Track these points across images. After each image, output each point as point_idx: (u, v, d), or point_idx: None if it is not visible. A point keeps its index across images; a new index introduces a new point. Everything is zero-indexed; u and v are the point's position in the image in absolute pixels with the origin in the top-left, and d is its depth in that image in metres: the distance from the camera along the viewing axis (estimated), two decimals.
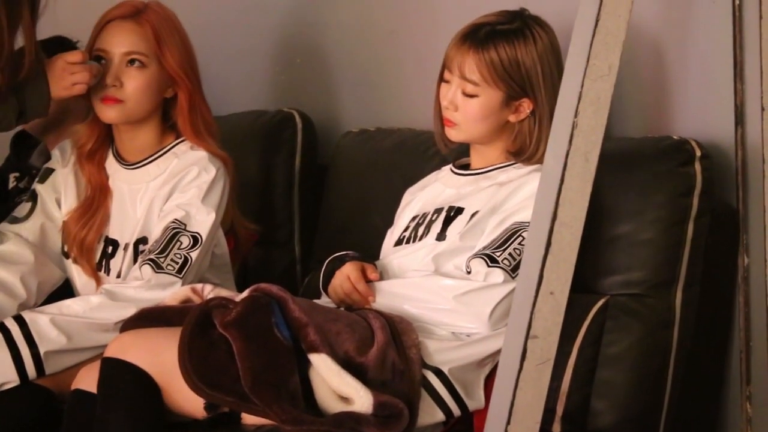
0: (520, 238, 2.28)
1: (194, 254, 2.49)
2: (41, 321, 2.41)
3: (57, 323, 2.41)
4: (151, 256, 2.48)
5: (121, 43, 2.56)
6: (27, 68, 2.49)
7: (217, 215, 2.55)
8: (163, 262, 2.47)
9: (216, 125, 2.67)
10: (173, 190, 2.57)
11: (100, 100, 2.56)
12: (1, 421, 2.35)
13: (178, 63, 2.58)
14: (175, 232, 2.50)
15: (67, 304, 2.46)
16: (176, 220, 2.52)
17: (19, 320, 2.41)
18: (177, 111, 2.61)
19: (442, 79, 2.45)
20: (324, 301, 2.44)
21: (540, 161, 2.31)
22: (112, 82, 2.54)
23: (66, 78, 2.51)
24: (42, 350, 2.38)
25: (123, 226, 2.61)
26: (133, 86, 2.55)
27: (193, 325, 2.14)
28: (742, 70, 2.33)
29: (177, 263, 2.47)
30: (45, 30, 2.62)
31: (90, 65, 2.53)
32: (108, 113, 2.56)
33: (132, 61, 2.56)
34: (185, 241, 2.50)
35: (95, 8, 2.65)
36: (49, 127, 2.88)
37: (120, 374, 2.18)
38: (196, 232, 2.51)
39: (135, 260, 2.56)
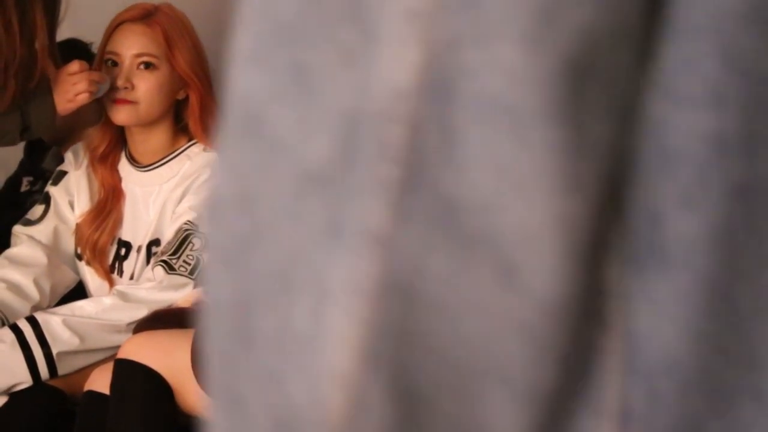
0: None
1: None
2: (54, 322, 2.41)
3: (69, 324, 2.42)
4: (164, 258, 2.48)
5: (131, 45, 2.57)
6: (39, 75, 2.50)
7: None
8: (175, 264, 2.47)
9: None
10: (186, 192, 2.57)
11: (112, 102, 2.56)
12: (14, 421, 2.36)
13: (188, 65, 2.58)
14: (187, 233, 2.51)
15: (80, 305, 2.47)
16: (189, 221, 2.52)
17: (32, 321, 2.42)
18: (189, 112, 2.62)
19: None
20: None
21: None
22: (124, 84, 2.55)
23: (68, 90, 2.52)
24: (55, 351, 2.39)
25: (136, 228, 2.61)
26: (145, 88, 2.55)
27: None
28: None
29: (189, 264, 2.47)
30: (64, 33, 2.63)
31: (90, 73, 2.54)
32: (120, 115, 2.57)
33: (143, 63, 2.57)
34: (198, 242, 2.50)
35: (114, 11, 2.66)
36: (62, 132, 2.88)
37: (133, 375, 2.18)
38: None
39: (148, 262, 2.56)
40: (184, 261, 2.48)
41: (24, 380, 2.38)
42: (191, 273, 2.47)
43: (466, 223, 0.46)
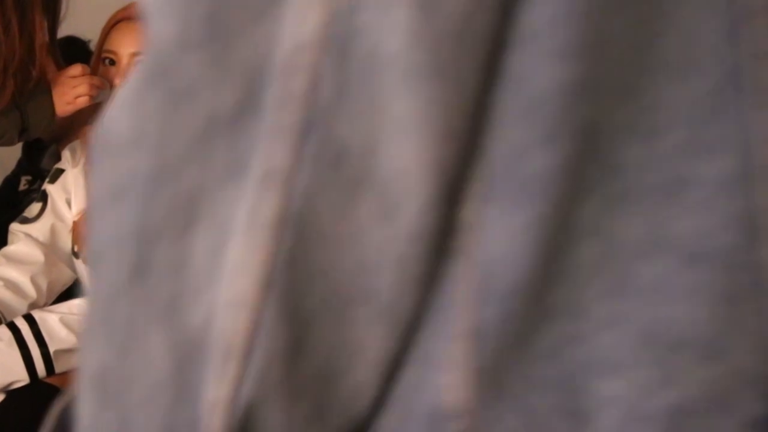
0: None
1: None
2: (51, 320, 2.42)
3: (66, 322, 2.42)
4: None
5: (129, 43, 2.57)
6: (38, 75, 2.50)
7: None
8: None
9: None
10: None
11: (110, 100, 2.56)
12: (11, 419, 2.36)
13: None
14: None
15: (77, 303, 2.47)
16: None
17: (29, 319, 2.42)
18: None
19: None
20: None
21: None
22: (121, 83, 2.55)
23: (68, 93, 2.52)
24: (52, 349, 2.39)
25: None
26: None
27: None
28: None
29: None
30: (62, 31, 2.62)
31: (91, 77, 2.54)
32: None
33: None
34: None
35: (112, 9, 2.66)
36: (60, 130, 2.88)
37: None
38: None
39: None
40: None
41: (21, 378, 2.39)
42: None
43: (355, 165, 0.52)
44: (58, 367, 2.40)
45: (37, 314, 2.43)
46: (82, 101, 2.52)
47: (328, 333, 0.54)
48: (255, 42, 0.53)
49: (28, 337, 2.40)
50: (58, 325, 2.41)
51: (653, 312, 0.54)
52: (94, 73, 2.58)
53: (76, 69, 2.54)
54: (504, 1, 0.53)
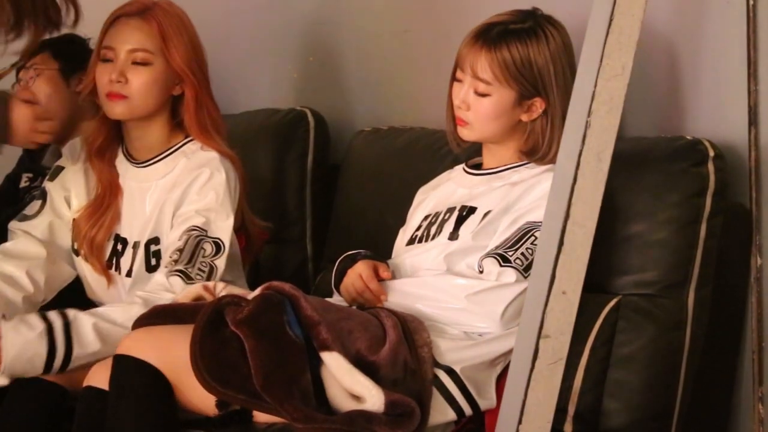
0: (533, 238, 2.28)
1: (219, 262, 2.48)
2: (85, 323, 2.33)
3: (98, 329, 2.35)
4: (180, 267, 2.45)
5: (127, 40, 2.56)
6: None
7: (234, 218, 2.55)
8: (191, 272, 2.45)
9: (224, 123, 2.66)
10: (185, 193, 2.56)
11: (106, 96, 2.56)
12: (14, 417, 2.35)
13: (184, 60, 2.57)
14: (198, 239, 2.49)
15: (109, 311, 2.39)
16: (197, 227, 2.51)
17: (64, 317, 2.35)
18: (184, 108, 2.61)
19: (454, 78, 2.45)
20: (336, 299, 2.44)
21: (552, 161, 2.32)
22: (118, 78, 2.54)
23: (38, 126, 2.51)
24: (75, 353, 2.33)
25: (132, 224, 2.61)
26: (138, 83, 2.55)
27: (205, 322, 2.15)
28: (756, 71, 2.33)
29: (204, 272, 2.46)
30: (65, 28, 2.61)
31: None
32: (114, 109, 2.57)
33: (138, 59, 2.56)
34: (208, 248, 2.49)
35: (113, 6, 2.65)
36: (62, 130, 2.87)
37: (132, 371, 2.18)
38: (218, 238, 2.51)
39: (147, 260, 2.56)
40: (199, 269, 2.47)
41: (37, 373, 2.34)
42: (207, 279, 2.46)
43: None
44: (70, 367, 2.35)
45: (72, 313, 2.38)
46: (44, 138, 2.54)
47: None
48: None
49: (58, 335, 2.33)
50: (91, 331, 2.35)
51: None
52: (93, 70, 2.57)
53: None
54: None
